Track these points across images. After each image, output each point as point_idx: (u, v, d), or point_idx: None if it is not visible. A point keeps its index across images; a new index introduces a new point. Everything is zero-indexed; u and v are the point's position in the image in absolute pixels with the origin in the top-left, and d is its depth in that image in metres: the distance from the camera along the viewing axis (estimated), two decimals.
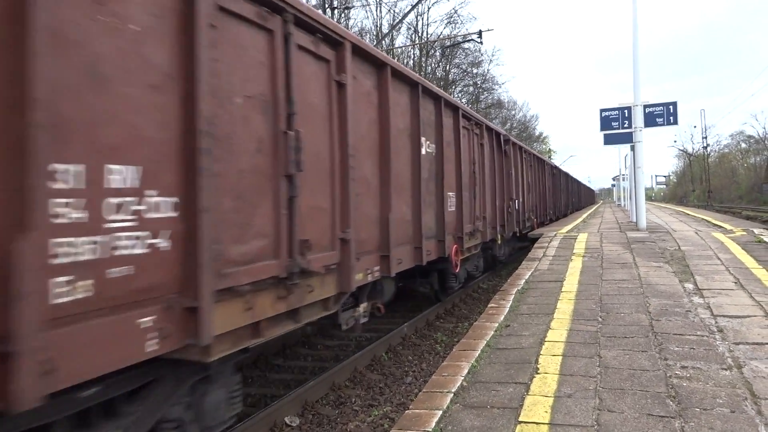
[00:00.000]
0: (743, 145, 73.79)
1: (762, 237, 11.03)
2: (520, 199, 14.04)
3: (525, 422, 3.39)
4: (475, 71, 40.72)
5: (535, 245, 11.77)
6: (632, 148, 16.61)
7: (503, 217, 11.78)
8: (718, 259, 8.97)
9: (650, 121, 14.08)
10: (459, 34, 32.88)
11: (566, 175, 33.36)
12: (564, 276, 8.22)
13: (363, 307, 5.66)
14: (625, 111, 14.50)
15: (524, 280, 8.03)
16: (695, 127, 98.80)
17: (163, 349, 2.80)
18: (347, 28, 6.66)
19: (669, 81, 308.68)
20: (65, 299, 2.33)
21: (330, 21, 4.65)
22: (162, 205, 2.86)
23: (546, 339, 5.13)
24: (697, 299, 6.42)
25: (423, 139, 6.83)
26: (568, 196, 31.90)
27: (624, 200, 38.68)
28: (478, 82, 41.69)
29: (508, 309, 6.41)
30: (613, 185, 66.81)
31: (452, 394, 3.89)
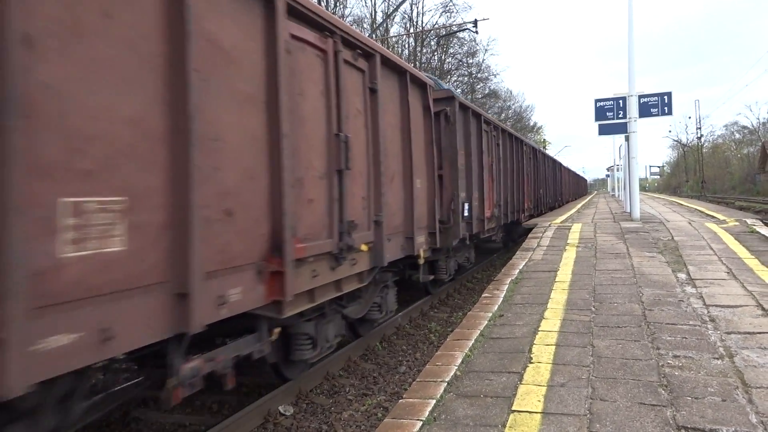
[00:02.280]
0: (737, 135, 74.06)
1: (755, 227, 11.09)
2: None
3: (518, 411, 3.41)
4: (470, 61, 40.60)
5: (530, 235, 11.79)
6: (627, 139, 16.60)
7: None
8: (711, 249, 9.02)
9: (645, 111, 14.07)
10: (454, 23, 32.73)
11: (532, 149, 18.69)
12: (558, 266, 8.25)
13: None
14: (620, 101, 14.47)
15: (518, 270, 8.05)
16: (690, 117, 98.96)
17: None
18: (342, 18, 7.28)
19: (670, 70, 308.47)
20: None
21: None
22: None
23: (539, 329, 5.15)
24: (689, 289, 6.45)
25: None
26: (520, 186, 15.33)
27: (618, 190, 38.75)
28: (473, 72, 41.57)
29: (501, 299, 6.42)
30: (608, 175, 66.87)
31: (446, 384, 3.90)
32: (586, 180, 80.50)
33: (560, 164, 33.21)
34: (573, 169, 50.54)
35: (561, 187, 31.17)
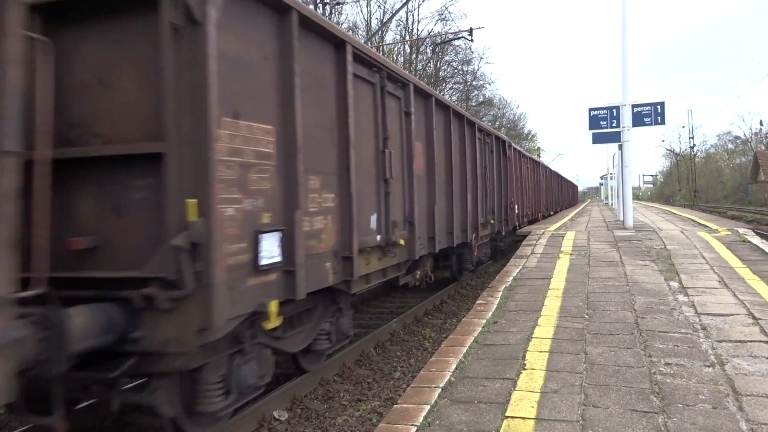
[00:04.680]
0: (730, 145, 74.63)
1: (746, 237, 11.19)
2: None
3: (512, 417, 3.44)
4: (465, 69, 40.76)
5: (524, 243, 11.85)
6: (620, 148, 16.73)
7: None
8: (703, 258, 9.09)
9: (638, 120, 14.20)
10: (449, 31, 32.90)
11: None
12: (551, 273, 8.30)
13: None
14: (614, 110, 14.59)
15: (512, 278, 8.09)
16: (683, 127, 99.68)
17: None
18: (338, 25, 8.20)
19: (671, 77, 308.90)
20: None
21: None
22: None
23: (533, 335, 5.18)
24: (681, 297, 6.51)
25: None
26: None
27: (611, 199, 38.94)
28: (469, 80, 41.74)
29: (496, 306, 6.46)
30: (601, 184, 67.10)
31: (440, 389, 3.93)
32: (576, 186, 67.94)
33: (519, 152, 16.77)
34: (563, 174, 43.56)
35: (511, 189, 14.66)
